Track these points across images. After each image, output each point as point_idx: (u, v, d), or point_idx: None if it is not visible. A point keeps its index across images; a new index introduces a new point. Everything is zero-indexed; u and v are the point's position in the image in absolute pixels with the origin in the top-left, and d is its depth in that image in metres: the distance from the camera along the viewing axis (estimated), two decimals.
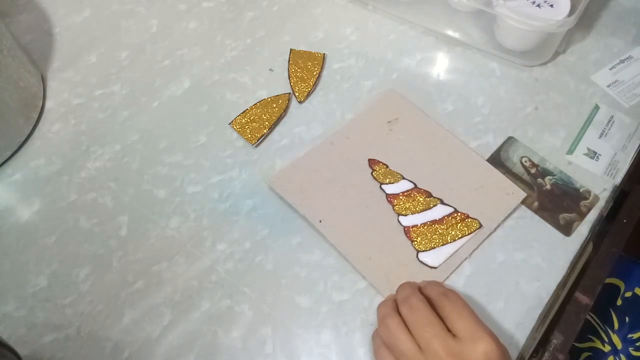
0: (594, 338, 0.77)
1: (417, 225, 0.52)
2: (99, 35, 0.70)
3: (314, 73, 0.64)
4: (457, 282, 0.50)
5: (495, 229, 0.52)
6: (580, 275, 0.62)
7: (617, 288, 0.80)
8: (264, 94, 0.63)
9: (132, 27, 0.71)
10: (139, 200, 0.57)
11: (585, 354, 0.77)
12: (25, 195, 0.58)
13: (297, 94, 0.63)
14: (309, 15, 0.70)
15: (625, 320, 0.78)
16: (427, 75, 0.64)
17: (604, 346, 0.77)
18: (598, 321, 0.78)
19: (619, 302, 0.79)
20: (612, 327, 0.78)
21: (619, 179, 0.55)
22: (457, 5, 0.67)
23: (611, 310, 0.79)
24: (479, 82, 0.63)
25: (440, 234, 0.51)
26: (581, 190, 0.54)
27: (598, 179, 0.55)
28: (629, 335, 0.77)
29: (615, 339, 0.77)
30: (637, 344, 0.76)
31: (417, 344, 0.40)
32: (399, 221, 0.53)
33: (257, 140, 0.59)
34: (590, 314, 0.73)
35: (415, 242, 0.51)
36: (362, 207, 0.53)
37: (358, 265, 0.50)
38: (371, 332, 0.47)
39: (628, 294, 0.79)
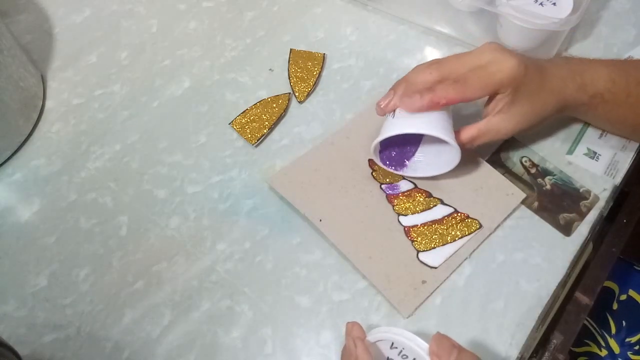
0: (590, 342, 0.77)
1: (417, 225, 0.52)
2: (99, 35, 0.70)
3: (314, 73, 0.64)
4: (457, 282, 0.50)
5: (495, 229, 0.52)
6: (580, 275, 0.62)
7: (612, 291, 0.80)
8: (264, 94, 0.63)
9: (132, 27, 0.71)
10: (139, 200, 0.57)
11: (582, 359, 0.76)
12: (25, 195, 0.58)
13: (297, 94, 0.63)
14: (309, 15, 0.70)
15: (622, 324, 0.77)
16: None
17: (600, 351, 0.76)
18: (595, 325, 0.78)
19: (615, 305, 0.79)
20: (609, 331, 0.77)
21: (619, 179, 0.55)
22: (458, 5, 0.67)
23: (608, 315, 0.78)
24: None
25: (440, 234, 0.51)
26: (581, 190, 0.54)
27: (598, 179, 0.55)
28: (627, 339, 0.76)
29: (613, 343, 0.76)
30: (636, 348, 0.76)
31: None
32: (399, 221, 0.53)
33: (257, 140, 0.59)
34: (587, 318, 0.73)
35: (416, 242, 0.51)
36: (362, 207, 0.53)
37: (358, 264, 0.50)
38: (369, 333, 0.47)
39: (623, 297, 0.79)
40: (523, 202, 0.54)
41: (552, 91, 0.49)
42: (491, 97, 0.50)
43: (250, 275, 0.52)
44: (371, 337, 0.40)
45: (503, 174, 0.55)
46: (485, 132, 0.50)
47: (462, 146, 0.49)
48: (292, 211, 0.55)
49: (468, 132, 0.50)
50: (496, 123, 0.50)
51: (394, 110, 0.50)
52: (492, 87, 0.48)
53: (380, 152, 0.54)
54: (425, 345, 0.38)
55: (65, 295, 0.52)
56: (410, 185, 0.54)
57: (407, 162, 0.54)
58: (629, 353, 0.76)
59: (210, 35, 0.70)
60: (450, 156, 0.50)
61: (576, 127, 0.59)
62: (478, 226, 0.52)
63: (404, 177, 0.55)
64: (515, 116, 0.49)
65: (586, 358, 0.77)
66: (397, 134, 0.48)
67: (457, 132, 0.50)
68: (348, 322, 0.41)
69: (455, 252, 0.51)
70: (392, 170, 0.54)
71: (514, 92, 0.48)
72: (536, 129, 0.52)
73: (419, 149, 0.55)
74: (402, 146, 0.55)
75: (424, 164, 0.54)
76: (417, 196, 0.54)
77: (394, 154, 0.54)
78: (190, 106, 0.63)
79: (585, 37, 0.65)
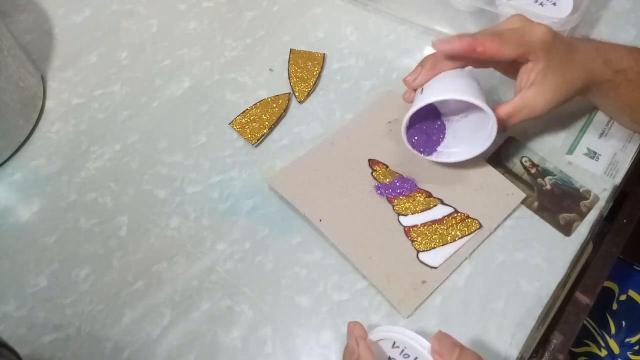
0: (589, 342, 0.77)
1: (417, 225, 0.52)
2: (99, 35, 0.70)
3: (314, 73, 0.64)
4: (457, 282, 0.50)
5: (495, 229, 0.52)
6: (580, 275, 0.62)
7: (612, 291, 0.80)
8: (264, 94, 0.63)
9: (132, 27, 0.71)
10: (139, 200, 0.57)
11: (582, 359, 0.76)
12: (25, 195, 0.58)
13: (297, 94, 0.63)
14: (309, 15, 0.70)
15: (622, 324, 0.77)
16: None
17: (600, 351, 0.76)
18: (594, 325, 0.78)
19: (615, 306, 0.79)
20: (608, 331, 0.77)
21: (619, 179, 0.55)
22: (458, 5, 0.67)
23: (607, 315, 0.78)
24: None
25: (440, 234, 0.51)
26: (581, 190, 0.54)
27: (598, 179, 0.55)
28: (627, 340, 0.76)
29: (613, 343, 0.76)
30: (635, 348, 0.76)
31: None
32: (399, 221, 0.53)
33: (257, 140, 0.59)
34: (587, 318, 0.73)
35: (416, 242, 0.51)
36: (362, 207, 0.53)
37: (358, 264, 0.50)
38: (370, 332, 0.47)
39: (622, 297, 0.79)
40: (523, 202, 0.54)
41: (581, 63, 0.49)
42: (521, 71, 0.49)
43: (250, 275, 0.52)
44: (373, 336, 0.40)
45: (503, 174, 0.55)
46: (521, 108, 0.49)
47: (498, 123, 0.48)
48: (292, 211, 0.55)
49: (503, 110, 0.49)
50: (532, 97, 0.49)
51: (421, 88, 0.50)
52: (526, 46, 0.47)
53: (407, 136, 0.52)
54: (427, 344, 0.38)
55: (65, 295, 0.52)
56: (410, 185, 0.54)
57: (437, 148, 0.53)
58: (628, 353, 0.76)
59: (210, 35, 0.70)
60: (485, 133, 0.49)
61: (576, 127, 0.59)
62: (478, 226, 0.52)
63: (402, 176, 0.55)
64: (550, 88, 0.48)
65: (586, 358, 0.77)
66: (430, 102, 0.47)
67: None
68: (350, 322, 0.41)
69: (455, 252, 0.51)
70: (423, 156, 0.53)
71: (545, 59, 0.47)
72: (564, 105, 0.51)
73: (452, 132, 0.53)
74: (429, 132, 0.53)
75: (456, 147, 0.53)
76: (417, 196, 0.54)
77: (420, 140, 0.53)
78: (190, 106, 0.63)
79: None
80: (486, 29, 0.50)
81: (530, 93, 0.49)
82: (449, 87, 0.48)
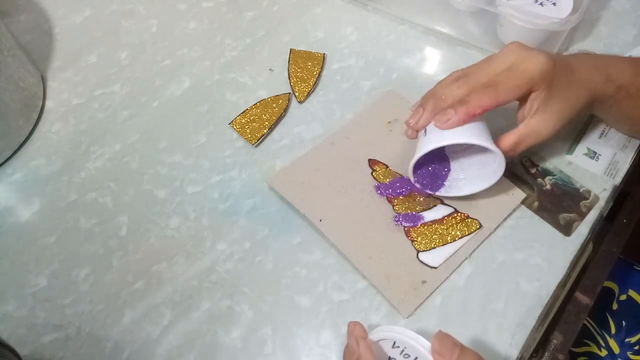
0: (590, 342, 0.77)
1: (417, 225, 0.52)
2: (99, 35, 0.70)
3: (314, 73, 0.64)
4: (457, 282, 0.50)
5: (495, 229, 0.52)
6: (580, 275, 0.62)
7: (612, 291, 0.80)
8: (264, 94, 0.63)
9: (132, 27, 0.71)
10: (139, 200, 0.57)
11: (582, 359, 0.76)
12: (25, 195, 0.58)
13: (297, 94, 0.63)
14: (309, 15, 0.70)
15: (622, 324, 0.77)
16: (427, 75, 0.64)
17: (600, 351, 0.76)
18: (594, 325, 0.78)
19: (615, 306, 0.79)
20: (609, 331, 0.77)
21: (619, 179, 0.55)
22: (458, 5, 0.67)
23: (608, 315, 0.78)
24: None
25: (440, 234, 0.51)
26: (581, 190, 0.54)
27: (598, 179, 0.55)
28: (627, 340, 0.76)
29: (613, 343, 0.76)
30: (635, 348, 0.76)
31: None
32: None
33: (257, 140, 0.59)
34: (587, 318, 0.73)
35: (416, 242, 0.51)
36: (362, 207, 0.53)
37: (358, 264, 0.50)
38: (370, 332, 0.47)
39: (623, 297, 0.79)
40: (523, 202, 0.54)
41: (582, 83, 0.49)
42: (524, 99, 0.49)
43: (250, 275, 0.52)
44: (373, 336, 0.40)
45: (503, 174, 0.55)
46: (527, 135, 0.49)
47: (504, 154, 0.48)
48: (292, 211, 0.55)
49: (509, 139, 0.49)
50: (536, 124, 0.48)
51: (425, 129, 0.49)
52: (525, 86, 0.47)
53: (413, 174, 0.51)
54: (427, 343, 0.38)
55: (65, 295, 0.52)
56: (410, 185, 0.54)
57: (444, 182, 0.52)
58: (628, 353, 0.76)
59: (210, 35, 0.70)
60: (493, 167, 0.49)
61: (576, 127, 0.59)
62: (478, 226, 0.52)
63: (402, 176, 0.55)
64: (554, 114, 0.48)
65: (586, 358, 0.77)
66: (437, 147, 0.46)
67: (496, 142, 0.48)
68: (350, 322, 0.41)
69: (455, 252, 0.51)
70: (429, 193, 0.52)
71: (547, 88, 0.47)
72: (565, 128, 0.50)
73: (458, 166, 0.53)
74: (434, 167, 0.53)
75: (465, 180, 0.52)
76: (417, 196, 0.54)
77: (427, 176, 0.52)
78: (190, 106, 0.63)
79: (585, 37, 0.66)
80: (480, 66, 0.49)
81: (535, 121, 0.48)
82: (454, 130, 0.47)
